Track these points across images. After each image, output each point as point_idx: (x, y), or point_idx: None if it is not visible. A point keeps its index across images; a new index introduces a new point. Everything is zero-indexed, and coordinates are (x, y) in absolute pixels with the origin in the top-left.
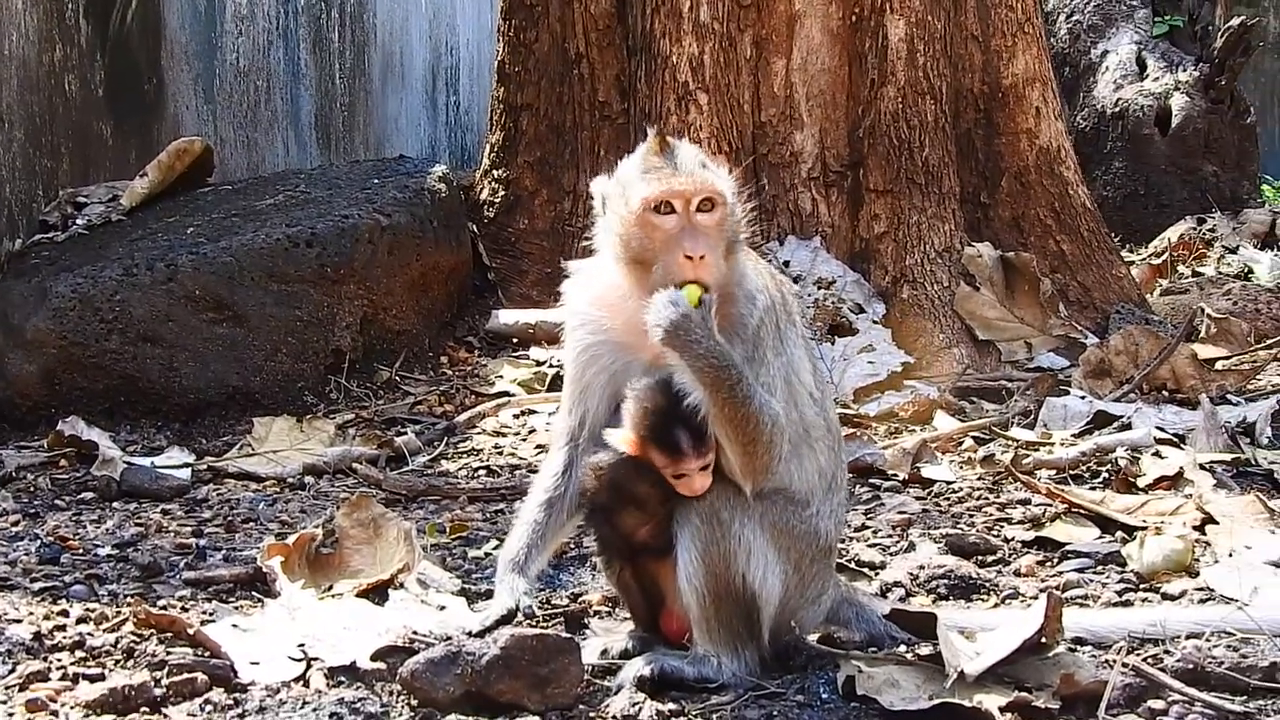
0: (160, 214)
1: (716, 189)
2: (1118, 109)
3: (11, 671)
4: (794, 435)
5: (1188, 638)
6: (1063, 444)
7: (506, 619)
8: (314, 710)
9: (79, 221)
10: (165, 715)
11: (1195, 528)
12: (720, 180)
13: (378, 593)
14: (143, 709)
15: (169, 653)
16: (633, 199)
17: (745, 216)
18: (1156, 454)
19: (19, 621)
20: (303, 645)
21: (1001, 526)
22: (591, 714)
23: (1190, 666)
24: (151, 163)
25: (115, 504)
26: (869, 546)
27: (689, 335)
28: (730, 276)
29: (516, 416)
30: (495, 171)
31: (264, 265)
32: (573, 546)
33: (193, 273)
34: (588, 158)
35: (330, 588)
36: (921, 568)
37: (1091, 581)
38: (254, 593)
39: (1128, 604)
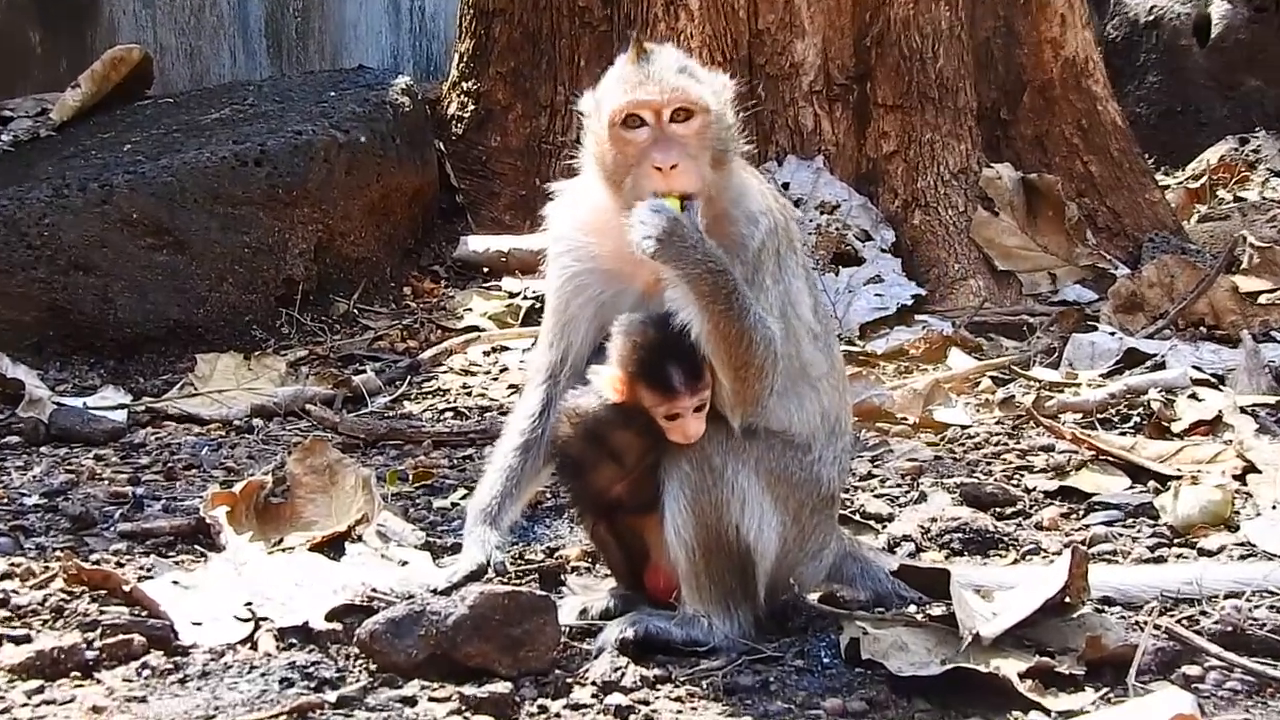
0: (94, 129)
1: (691, 97)
2: (1152, 17)
3: None
4: (791, 371)
5: (1226, 597)
6: (1090, 385)
7: (476, 575)
8: (262, 675)
9: (4, 138)
10: (98, 680)
11: (1235, 477)
12: (698, 87)
13: (333, 546)
14: (73, 674)
15: (102, 612)
16: (603, 113)
17: (739, 126)
18: (1193, 396)
19: None
20: (250, 604)
21: (1022, 475)
22: (569, 679)
23: (1229, 629)
24: (84, 73)
25: (43, 448)
26: (875, 497)
27: (682, 242)
28: (726, 192)
29: (487, 353)
30: (464, 84)
31: (208, 186)
32: (549, 496)
33: (129, 194)
34: (566, 69)
35: (280, 541)
36: (933, 520)
37: (1121, 536)
38: (196, 546)
39: (1160, 560)
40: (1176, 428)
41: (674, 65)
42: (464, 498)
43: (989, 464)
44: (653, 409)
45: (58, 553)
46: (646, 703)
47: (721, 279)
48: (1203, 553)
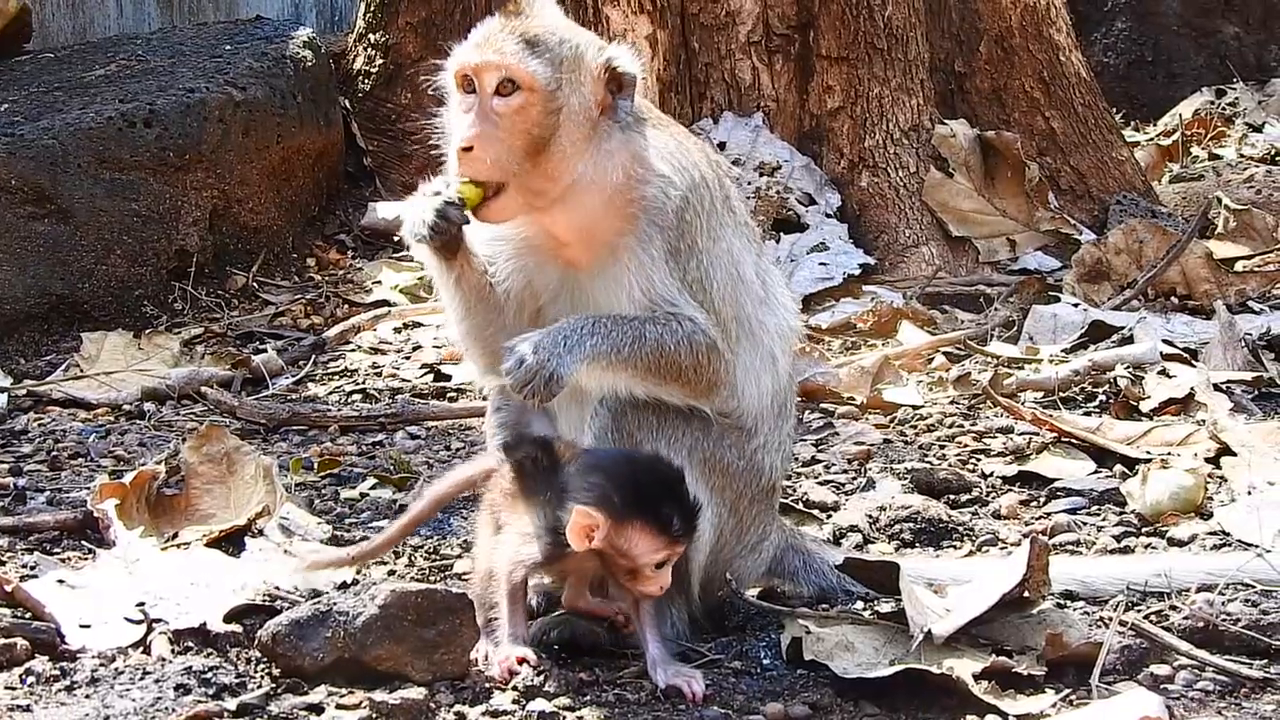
0: None
1: (513, 68)
2: None
3: None
4: (740, 337)
5: (1198, 591)
6: (1051, 361)
7: None
8: (156, 682)
9: None
10: None
11: (1208, 460)
12: (532, 63)
13: (232, 541)
14: None
15: None
16: (448, 70)
17: (606, 107)
18: (1163, 372)
19: None
20: (142, 604)
21: (978, 460)
22: (488, 685)
23: (1200, 624)
24: None
25: None
26: (820, 484)
27: (541, 368)
28: (611, 157)
29: (398, 330)
30: (371, 35)
31: (93, 149)
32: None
33: (7, 159)
34: (481, 18)
35: (175, 536)
36: (882, 509)
37: (1085, 524)
38: (84, 542)
39: (1127, 551)
40: (1145, 407)
41: (526, 31)
42: (373, 487)
43: (942, 447)
44: (642, 556)
45: None
46: (572, 709)
47: (596, 333)
48: (1173, 542)
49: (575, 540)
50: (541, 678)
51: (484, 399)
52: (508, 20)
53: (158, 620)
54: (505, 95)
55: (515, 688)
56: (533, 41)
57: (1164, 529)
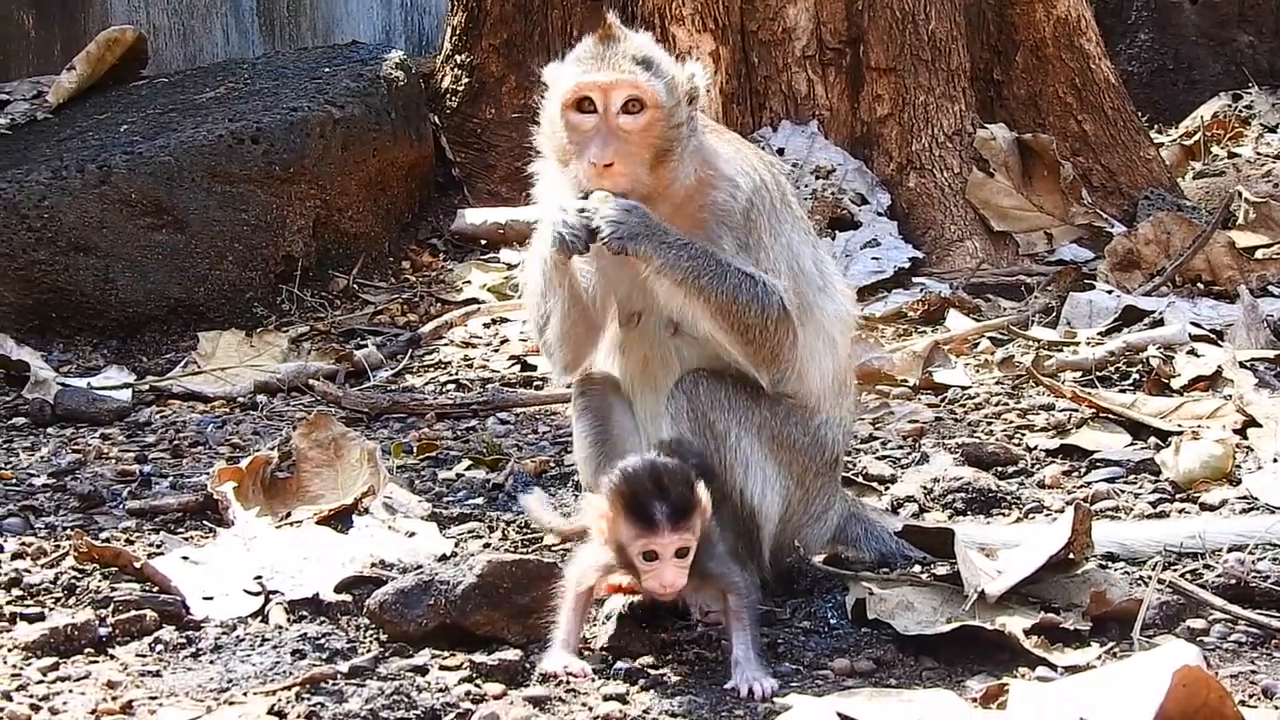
0: (90, 111)
1: (643, 87)
2: None
3: None
4: (804, 321)
5: (1229, 551)
6: (1088, 343)
7: None
8: (274, 647)
9: (1, 121)
10: (112, 656)
11: (1236, 431)
12: (653, 82)
13: (340, 519)
14: (86, 650)
15: (114, 589)
16: (558, 89)
17: (690, 119)
18: (1192, 352)
19: None
20: (260, 578)
21: (1023, 434)
22: (580, 645)
23: (1232, 582)
24: (79, 55)
25: (50, 429)
26: (878, 459)
27: (643, 229)
28: (684, 167)
29: (487, 325)
30: (457, 57)
31: (206, 164)
32: (553, 465)
33: (128, 174)
34: (559, 39)
35: (288, 515)
36: (936, 481)
37: (1123, 492)
38: (205, 522)
39: (1163, 515)
40: (1176, 384)
41: (637, 53)
42: (468, 469)
43: (990, 424)
44: (629, 545)
45: (68, 531)
46: (655, 667)
47: (686, 252)
48: (1205, 507)
49: (595, 532)
50: (626, 640)
51: (567, 387)
52: (612, 43)
53: (274, 592)
54: (633, 113)
55: (602, 648)
56: (646, 62)
57: (1196, 495)
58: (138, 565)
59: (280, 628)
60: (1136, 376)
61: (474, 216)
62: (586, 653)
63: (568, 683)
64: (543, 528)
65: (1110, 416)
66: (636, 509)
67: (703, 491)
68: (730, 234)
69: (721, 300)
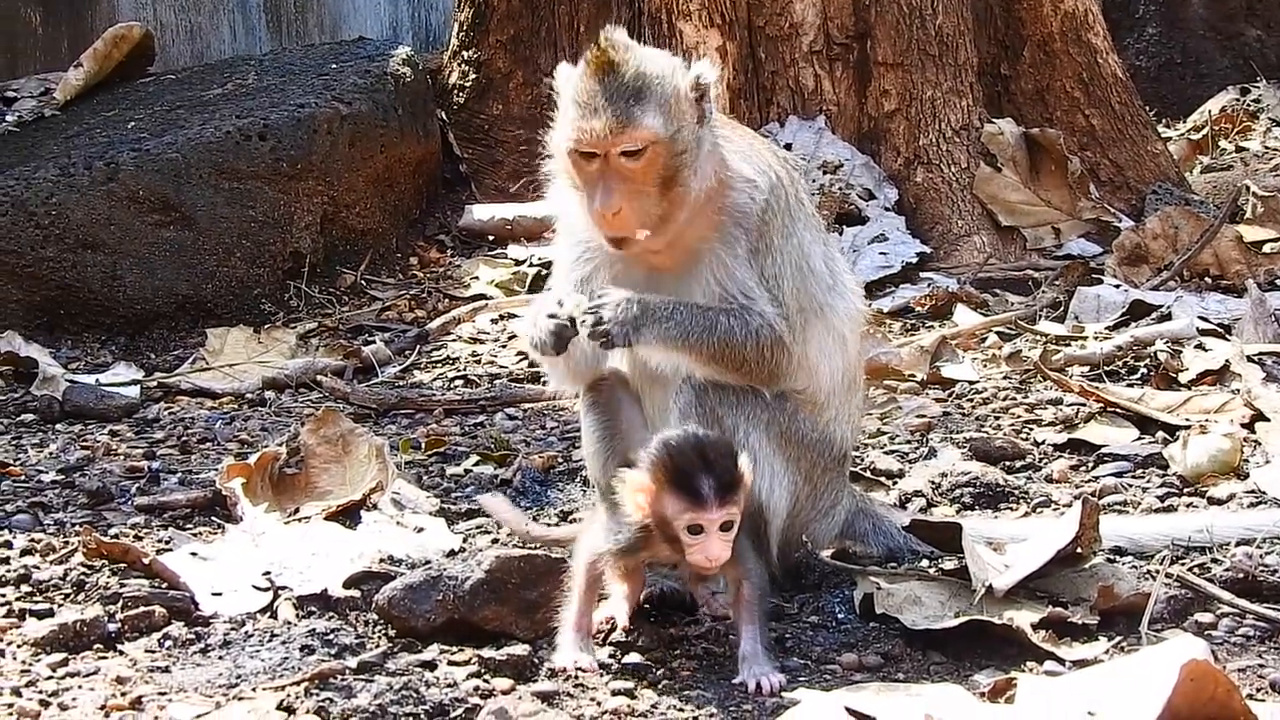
0: (98, 108)
1: (639, 136)
2: None
3: None
4: (812, 320)
5: (1237, 545)
6: (1096, 337)
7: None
8: (283, 643)
9: (9, 118)
10: (121, 652)
11: (1243, 425)
12: (649, 121)
13: (348, 515)
14: (96, 646)
15: (123, 585)
16: (558, 135)
17: (705, 117)
18: (1199, 346)
19: None
20: (269, 573)
21: (1031, 429)
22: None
23: (1240, 576)
24: (86, 52)
25: (58, 425)
26: (886, 453)
27: (634, 320)
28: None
29: (495, 321)
30: (464, 53)
31: (213, 161)
32: (561, 460)
33: (135, 171)
34: (566, 34)
35: (296, 511)
36: (944, 475)
37: (1130, 486)
38: (213, 518)
39: (1171, 509)
40: (1184, 378)
41: (633, 81)
42: (476, 464)
43: (997, 418)
44: (675, 519)
45: (77, 528)
46: (664, 662)
47: (674, 320)
48: (1212, 501)
49: (631, 508)
50: (635, 634)
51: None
52: (605, 79)
53: (283, 587)
54: (633, 155)
55: (611, 642)
56: (639, 94)
57: (1204, 489)
58: (146, 561)
59: (289, 623)
60: (1144, 371)
61: (481, 212)
62: (595, 647)
63: (576, 678)
64: (511, 531)
65: (1118, 411)
66: (683, 483)
67: (746, 464)
68: (745, 237)
69: (714, 350)
